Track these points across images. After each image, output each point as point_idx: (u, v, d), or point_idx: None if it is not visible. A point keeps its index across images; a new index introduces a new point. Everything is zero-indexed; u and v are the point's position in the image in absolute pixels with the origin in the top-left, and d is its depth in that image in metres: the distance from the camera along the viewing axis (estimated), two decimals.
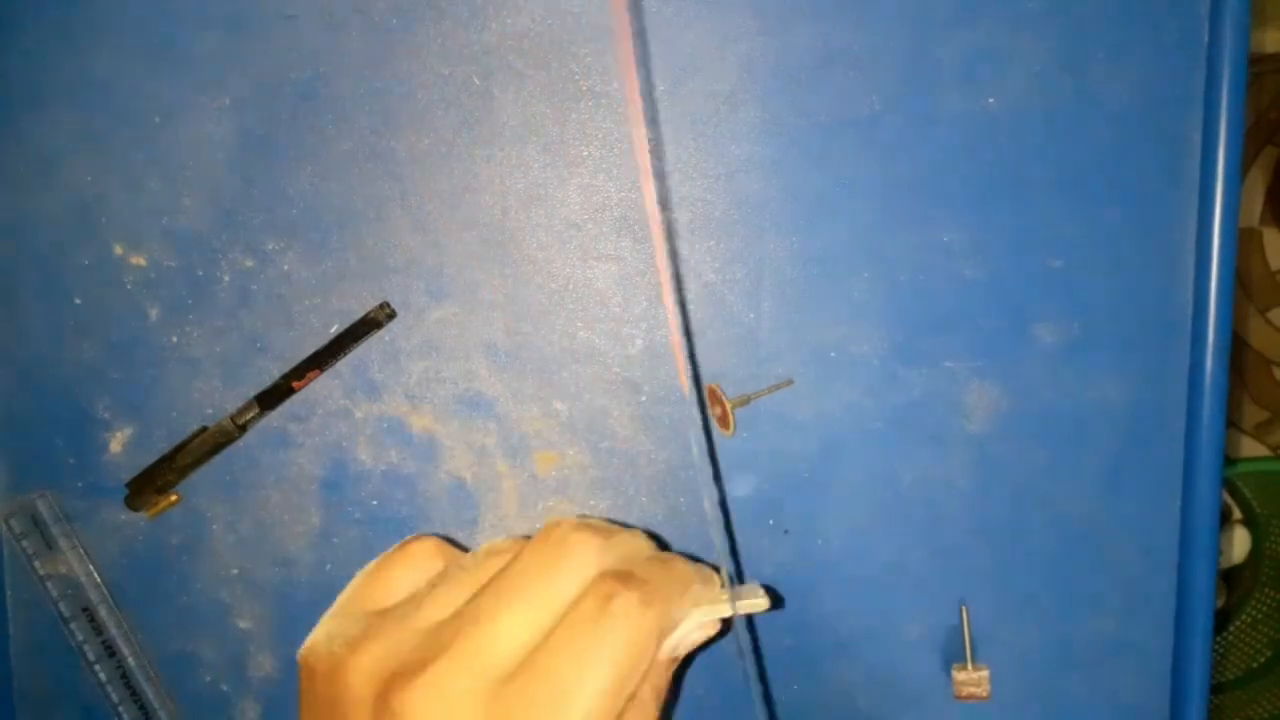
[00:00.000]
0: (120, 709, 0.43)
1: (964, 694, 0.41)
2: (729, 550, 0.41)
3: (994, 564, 0.42)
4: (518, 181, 0.41)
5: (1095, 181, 0.40)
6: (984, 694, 0.41)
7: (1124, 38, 0.39)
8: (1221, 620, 1.13)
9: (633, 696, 0.27)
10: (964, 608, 0.42)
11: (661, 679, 0.29)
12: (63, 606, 0.43)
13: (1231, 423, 1.30)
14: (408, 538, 0.32)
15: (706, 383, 0.41)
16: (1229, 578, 1.15)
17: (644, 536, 0.31)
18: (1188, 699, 0.41)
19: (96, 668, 0.43)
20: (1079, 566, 0.42)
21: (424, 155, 0.41)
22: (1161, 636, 0.42)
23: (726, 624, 0.30)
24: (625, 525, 0.41)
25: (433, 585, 0.29)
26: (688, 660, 0.39)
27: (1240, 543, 1.13)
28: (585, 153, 0.41)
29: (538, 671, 0.25)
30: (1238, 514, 1.13)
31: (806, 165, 0.40)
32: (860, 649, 0.42)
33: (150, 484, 0.42)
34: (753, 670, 0.31)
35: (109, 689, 0.43)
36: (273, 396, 0.41)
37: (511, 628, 0.26)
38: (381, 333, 0.41)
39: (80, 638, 0.43)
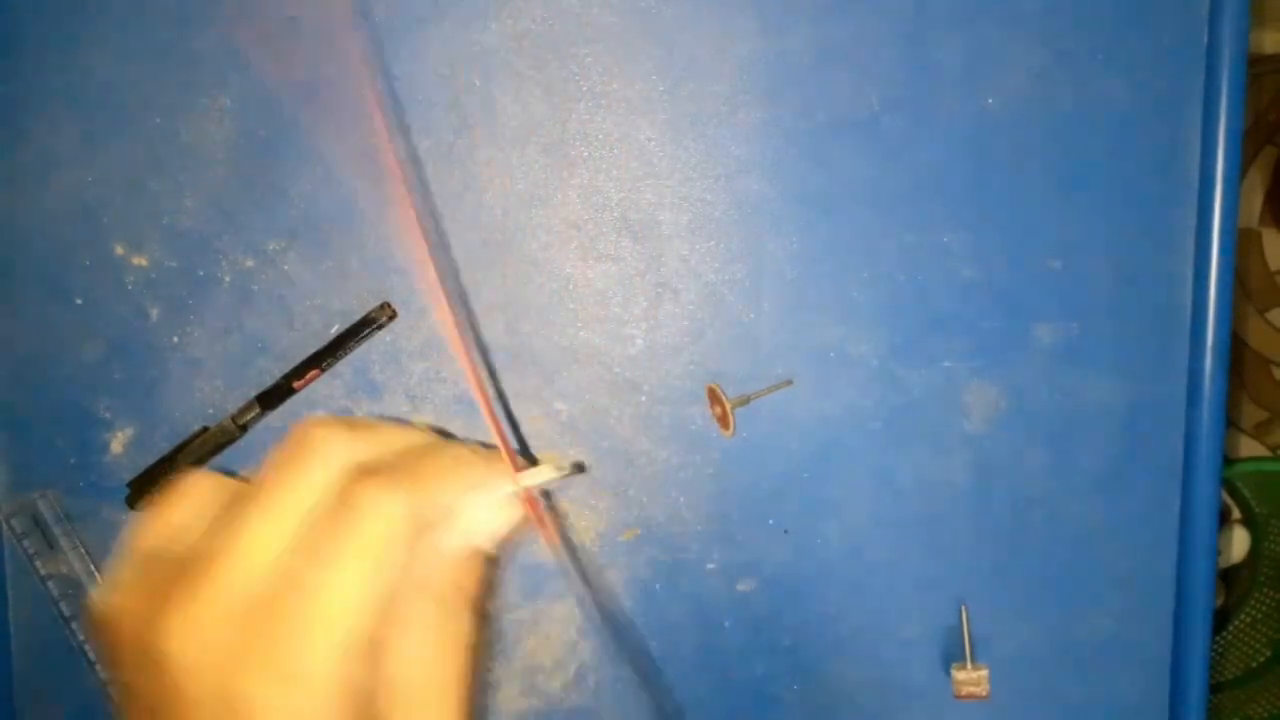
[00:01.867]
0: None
1: (964, 693, 0.41)
2: (506, 421, 0.39)
3: (994, 564, 0.42)
4: (518, 182, 0.41)
5: (1095, 181, 0.40)
6: (984, 693, 0.41)
7: (1124, 38, 0.39)
8: (1220, 620, 1.13)
9: (427, 590, 0.26)
10: (964, 607, 0.42)
11: (467, 575, 0.27)
12: (63, 606, 0.43)
13: (1231, 423, 1.30)
14: (183, 476, 0.30)
15: (707, 383, 0.41)
16: (1228, 577, 1.15)
17: (421, 429, 0.29)
18: (1187, 698, 0.42)
19: (97, 668, 0.43)
20: (1079, 566, 0.42)
21: (424, 155, 0.41)
22: (1161, 636, 0.42)
23: (542, 510, 0.29)
24: (626, 527, 0.41)
25: (207, 520, 0.27)
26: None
27: (1239, 543, 1.13)
28: (585, 153, 0.41)
29: (281, 583, 0.24)
30: (1237, 514, 1.13)
31: (806, 165, 0.40)
32: (860, 649, 0.42)
33: (151, 484, 0.42)
34: (572, 568, 0.29)
35: (109, 689, 0.43)
36: (274, 396, 0.41)
37: (254, 542, 0.24)
38: (382, 333, 0.41)
39: (81, 638, 0.43)
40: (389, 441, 0.27)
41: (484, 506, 0.27)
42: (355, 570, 0.24)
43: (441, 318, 0.27)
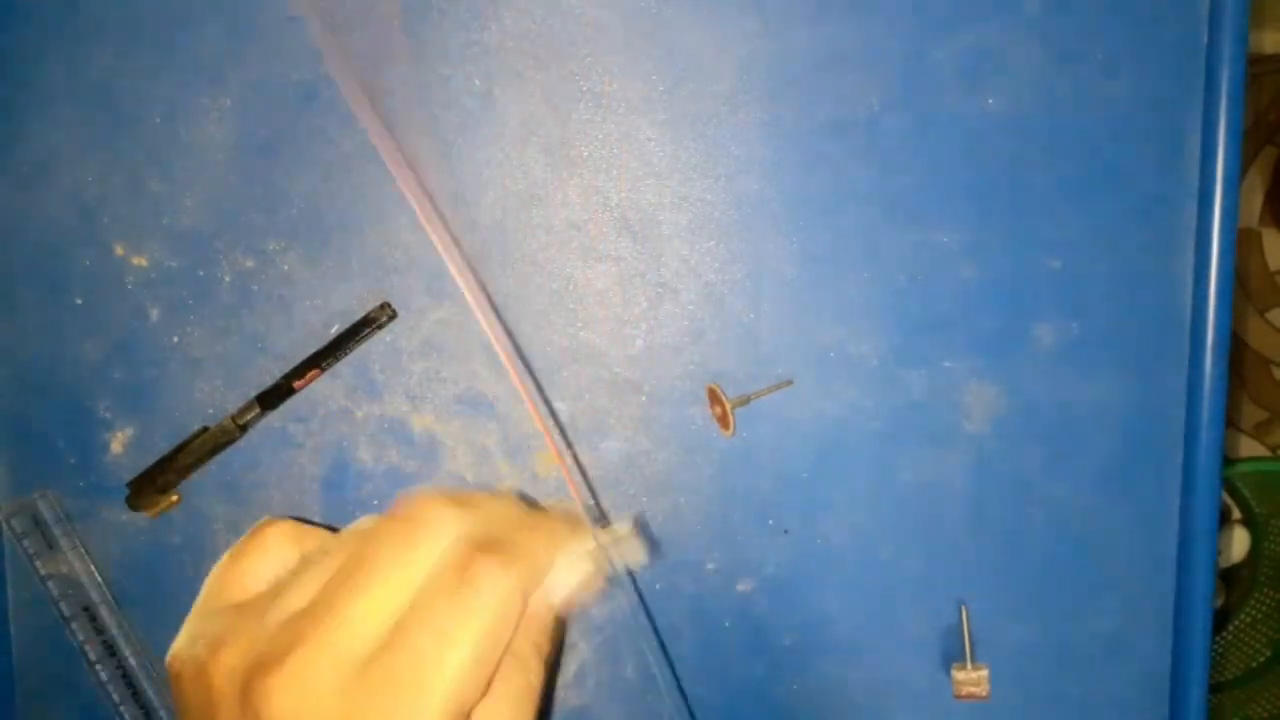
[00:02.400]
0: (121, 709, 0.43)
1: (964, 693, 0.41)
2: (586, 489, 0.40)
3: (994, 564, 0.42)
4: (518, 182, 0.41)
5: (1095, 182, 0.40)
6: (983, 693, 0.41)
7: (1124, 38, 0.39)
8: (1220, 620, 1.13)
9: (513, 655, 0.27)
10: (964, 607, 0.42)
11: (541, 634, 0.28)
12: (63, 606, 0.43)
13: (1231, 423, 1.30)
14: (260, 522, 0.30)
15: (707, 383, 0.41)
16: (1228, 577, 1.15)
17: (511, 498, 0.30)
18: (1187, 698, 0.42)
19: (97, 668, 0.43)
20: (1079, 566, 0.42)
21: (423, 156, 0.41)
22: (1161, 636, 0.42)
23: (612, 573, 0.30)
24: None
25: (294, 573, 0.28)
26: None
27: (1239, 542, 1.13)
28: (585, 153, 0.41)
29: (397, 650, 0.24)
30: (1237, 514, 1.13)
31: (806, 165, 0.40)
32: (860, 649, 0.42)
33: (151, 484, 0.42)
34: (644, 622, 0.30)
35: (109, 689, 0.43)
36: (273, 396, 0.41)
37: (369, 609, 0.25)
38: (382, 333, 0.41)
39: (81, 638, 0.43)
40: (493, 515, 0.28)
41: (564, 568, 0.28)
42: (472, 642, 0.24)
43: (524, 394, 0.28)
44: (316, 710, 0.24)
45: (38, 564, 0.42)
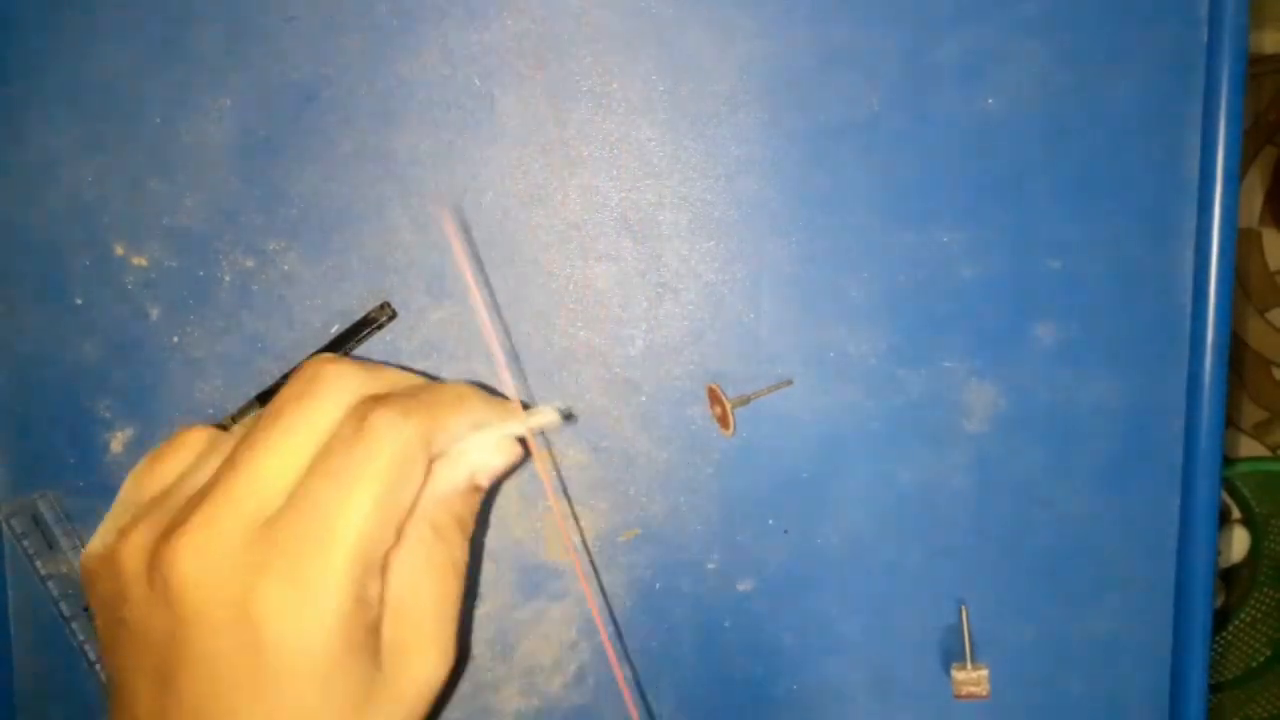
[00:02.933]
0: None
1: (964, 693, 0.41)
2: (509, 360, 0.40)
3: (994, 564, 0.42)
4: (518, 182, 0.41)
5: (1095, 181, 0.40)
6: (984, 693, 0.41)
7: (1124, 38, 0.39)
8: (1220, 620, 1.13)
9: (432, 525, 0.27)
10: (964, 607, 0.42)
11: (464, 507, 0.29)
12: (63, 606, 0.43)
13: (1231, 423, 1.30)
14: (179, 428, 0.30)
15: (707, 383, 0.41)
16: (1228, 577, 1.15)
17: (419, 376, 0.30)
18: (1187, 698, 0.42)
19: (97, 668, 0.43)
20: (1079, 566, 0.42)
21: (424, 155, 0.41)
22: (1161, 636, 0.42)
23: (529, 449, 0.30)
24: (626, 527, 0.41)
25: (201, 454, 0.28)
26: (494, 492, 0.39)
27: (1239, 542, 1.13)
28: (585, 153, 0.41)
29: (300, 502, 0.24)
30: (1237, 514, 1.13)
31: (806, 165, 0.40)
32: (860, 649, 0.42)
33: None
34: (565, 509, 0.31)
35: (102, 657, 0.43)
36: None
37: (271, 466, 0.25)
38: (382, 333, 0.41)
39: (81, 638, 0.43)
40: (397, 379, 0.29)
41: (488, 444, 0.29)
42: (371, 490, 0.25)
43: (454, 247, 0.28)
44: (222, 568, 0.24)
45: (38, 564, 0.42)
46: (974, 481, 0.42)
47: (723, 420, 0.41)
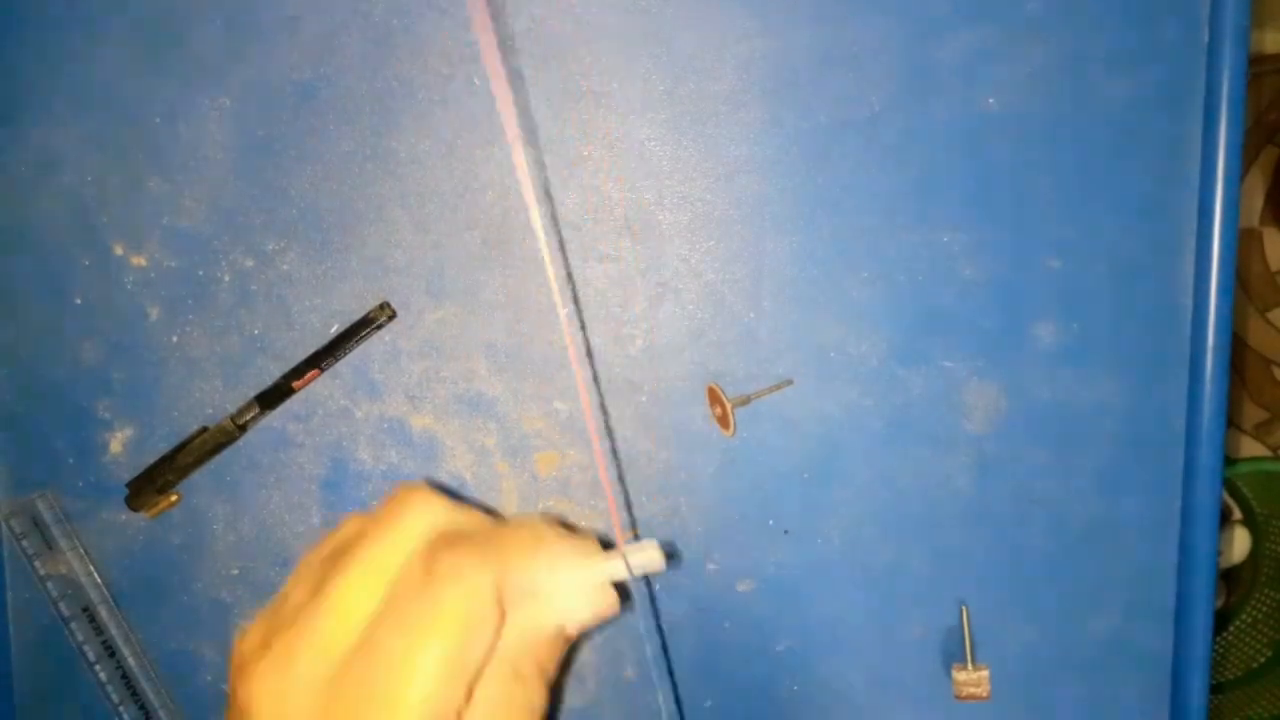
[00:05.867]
0: (120, 709, 0.43)
1: (964, 694, 0.41)
2: (621, 501, 0.39)
3: (994, 564, 0.42)
4: (518, 182, 0.41)
5: (1095, 181, 0.40)
6: (984, 694, 0.41)
7: (1124, 38, 0.39)
8: (1221, 620, 1.13)
9: (514, 671, 0.26)
10: (964, 608, 0.42)
11: (548, 654, 0.27)
12: (63, 606, 0.43)
13: (1231, 423, 1.30)
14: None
15: (707, 383, 0.41)
16: (1229, 578, 1.15)
17: (529, 518, 0.29)
18: (1188, 699, 0.41)
19: (96, 668, 0.43)
20: (1079, 566, 0.42)
21: (424, 155, 0.41)
22: (1161, 637, 0.42)
23: (625, 596, 0.28)
24: (627, 527, 0.41)
25: (319, 555, 0.28)
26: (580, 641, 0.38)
27: (1240, 543, 1.13)
28: (585, 153, 0.41)
29: (370, 649, 0.24)
30: (1237, 514, 1.13)
31: (806, 165, 0.40)
32: (860, 649, 0.42)
33: (150, 484, 0.42)
34: (658, 653, 0.29)
35: (109, 689, 0.43)
36: (273, 396, 0.41)
37: (346, 600, 0.25)
38: (382, 333, 0.41)
39: (80, 638, 0.43)
40: (474, 515, 0.27)
41: (578, 591, 0.27)
42: (440, 646, 0.24)
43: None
44: (289, 706, 0.24)
45: (37, 564, 0.42)
46: (974, 482, 0.41)
47: (723, 420, 0.41)
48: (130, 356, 0.42)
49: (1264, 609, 1.11)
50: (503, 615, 0.25)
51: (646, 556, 0.27)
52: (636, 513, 0.42)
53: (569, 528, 0.29)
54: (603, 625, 0.29)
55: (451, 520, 0.27)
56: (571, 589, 0.27)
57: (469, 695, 0.25)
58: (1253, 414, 1.32)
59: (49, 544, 0.43)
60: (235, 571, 0.43)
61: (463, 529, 0.27)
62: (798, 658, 0.43)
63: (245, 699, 0.24)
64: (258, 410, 0.41)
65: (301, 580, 0.27)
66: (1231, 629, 1.13)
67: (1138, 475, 0.41)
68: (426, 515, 0.26)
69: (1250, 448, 1.32)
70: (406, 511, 0.26)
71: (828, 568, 0.42)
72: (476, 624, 0.24)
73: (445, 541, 0.25)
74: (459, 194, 0.41)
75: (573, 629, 0.28)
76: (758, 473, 0.42)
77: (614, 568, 0.27)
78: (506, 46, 0.31)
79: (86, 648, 0.43)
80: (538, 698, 0.27)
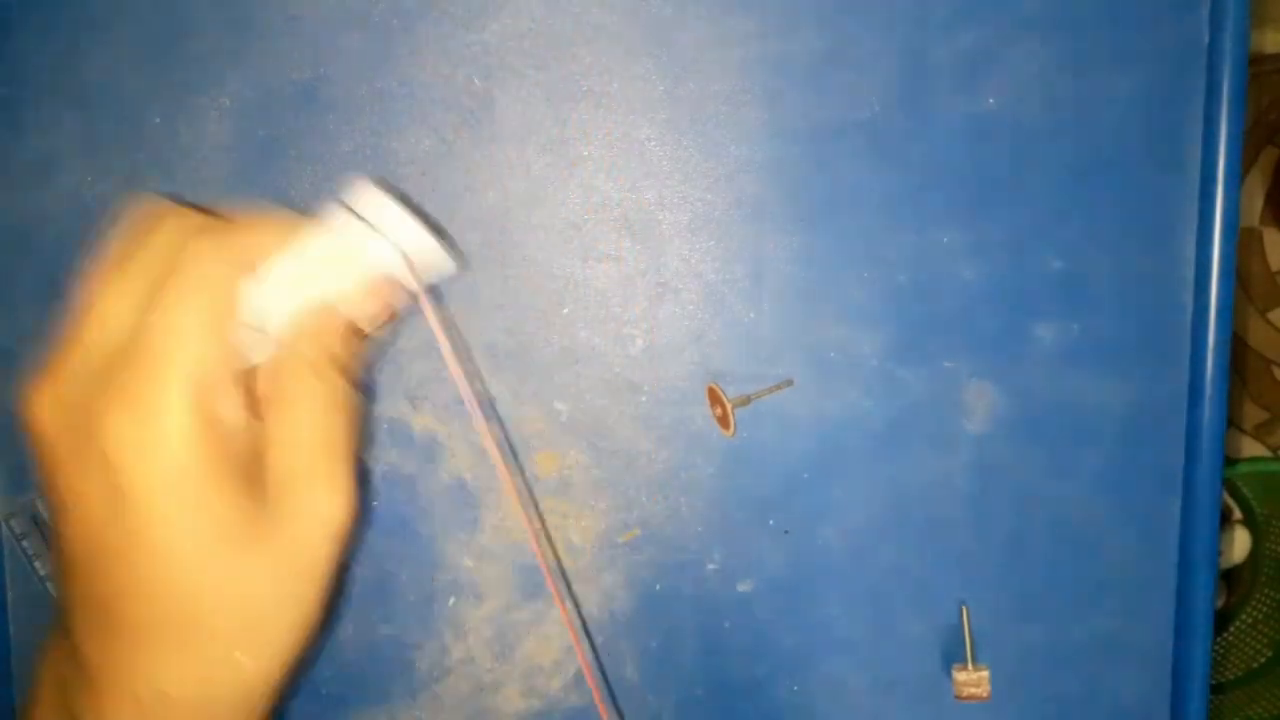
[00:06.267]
0: None
1: (964, 694, 0.41)
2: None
3: (994, 564, 0.42)
4: (518, 181, 0.41)
5: (1095, 181, 0.40)
6: (984, 694, 0.41)
7: (1124, 38, 0.39)
8: (1221, 621, 1.13)
9: (300, 359, 0.27)
10: (964, 608, 0.42)
11: (341, 346, 0.29)
12: None
13: (1231, 423, 1.30)
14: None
15: (707, 383, 0.41)
16: (1229, 578, 1.15)
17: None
18: (1188, 699, 0.41)
19: None
20: (1079, 566, 0.42)
21: (424, 155, 0.41)
22: (1161, 636, 0.42)
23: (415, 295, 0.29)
24: (626, 527, 0.41)
25: None
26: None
27: (1240, 543, 1.13)
28: (585, 153, 0.41)
29: (136, 335, 0.25)
30: (1238, 514, 1.13)
31: (806, 165, 0.40)
32: (860, 649, 0.42)
33: None
34: (466, 393, 0.30)
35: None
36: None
37: (105, 303, 0.26)
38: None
39: None
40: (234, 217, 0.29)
41: (359, 286, 0.28)
42: (192, 309, 0.25)
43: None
44: (72, 404, 0.25)
45: (37, 564, 0.42)
46: (974, 482, 0.41)
47: (723, 420, 0.41)
48: None
49: (1264, 609, 1.11)
50: (241, 271, 0.27)
51: (405, 232, 0.28)
52: (637, 513, 0.42)
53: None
54: (403, 314, 0.30)
55: (202, 222, 0.28)
56: (335, 271, 0.28)
57: (235, 355, 0.27)
58: (1253, 414, 1.32)
59: (49, 544, 0.43)
60: None
61: (212, 224, 0.28)
62: (798, 658, 0.43)
63: (27, 419, 0.26)
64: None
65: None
66: (1231, 629, 1.13)
67: (1138, 475, 0.41)
68: (174, 220, 0.28)
69: (1250, 448, 1.32)
70: (155, 221, 0.28)
71: (828, 568, 0.42)
72: (219, 281, 0.26)
73: (200, 230, 0.27)
74: (459, 194, 0.41)
75: (364, 322, 0.29)
76: (758, 473, 0.42)
77: (374, 250, 0.28)
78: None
79: None
80: (338, 389, 0.28)
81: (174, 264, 0.26)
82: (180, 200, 0.30)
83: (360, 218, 0.28)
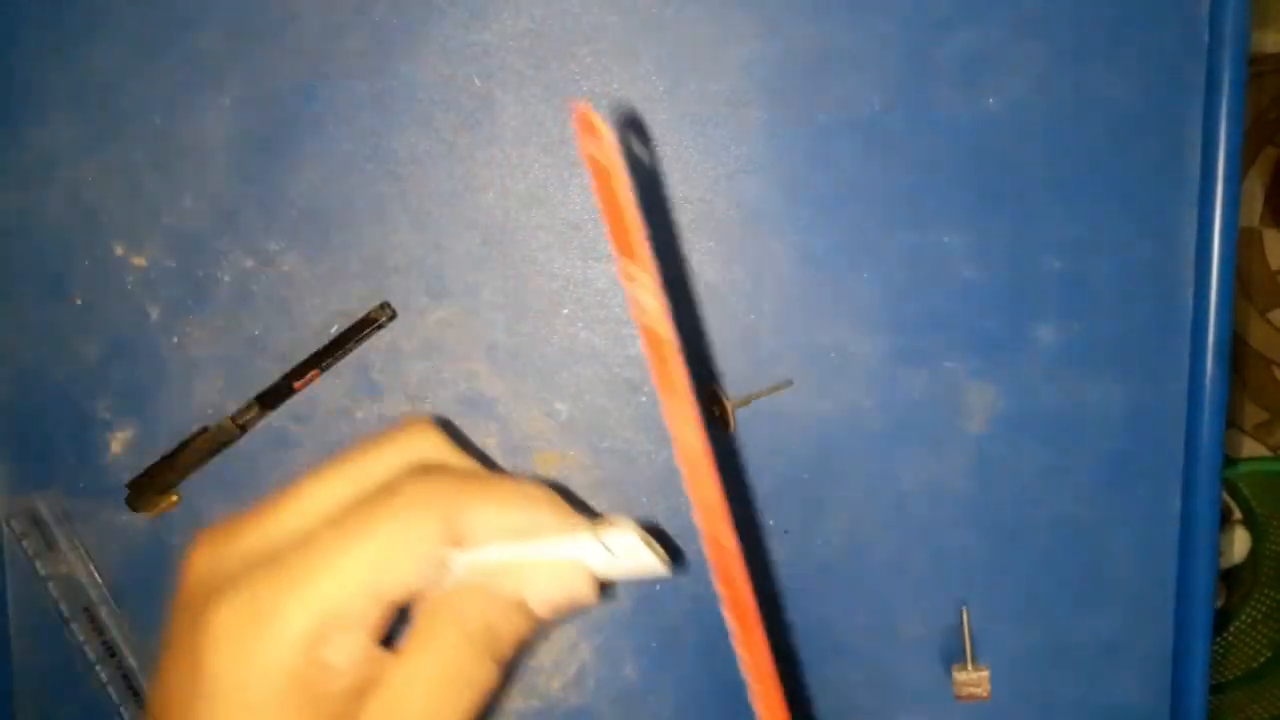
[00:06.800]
0: (120, 709, 0.43)
1: (964, 694, 0.41)
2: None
3: (994, 564, 0.42)
4: (518, 182, 0.41)
5: (1095, 182, 0.40)
6: (984, 694, 0.41)
7: (1124, 38, 0.39)
8: (1221, 621, 1.13)
9: (456, 624, 0.25)
10: (964, 608, 0.42)
11: (506, 624, 0.25)
12: (63, 606, 0.43)
13: (1231, 423, 1.30)
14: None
15: (707, 383, 0.41)
16: (1229, 578, 1.15)
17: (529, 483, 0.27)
18: (1188, 699, 0.41)
19: (97, 668, 0.43)
20: (1079, 566, 0.42)
21: (424, 155, 0.41)
22: (1161, 636, 0.42)
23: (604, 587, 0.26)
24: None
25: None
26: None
27: (1240, 543, 1.13)
28: None
29: (301, 540, 0.23)
30: (1238, 514, 1.13)
31: (806, 165, 0.40)
32: (860, 649, 0.42)
33: (151, 484, 0.42)
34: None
35: (109, 689, 0.43)
36: (273, 397, 0.41)
37: (309, 495, 0.25)
38: (382, 333, 0.41)
39: (80, 638, 0.43)
40: (474, 464, 0.26)
41: (555, 572, 0.25)
42: (364, 549, 0.23)
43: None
44: (218, 570, 0.24)
45: (37, 564, 0.42)
46: (974, 482, 0.41)
47: (723, 420, 0.41)
48: (130, 356, 0.42)
49: (1264, 609, 1.11)
50: (441, 543, 0.24)
51: (637, 556, 0.25)
52: (637, 513, 0.42)
53: (574, 503, 0.28)
54: (576, 614, 0.28)
55: (443, 456, 0.26)
56: (553, 571, 0.25)
57: (383, 613, 0.24)
58: (1253, 414, 1.32)
59: (49, 544, 0.43)
60: None
61: (449, 465, 0.26)
62: (798, 658, 0.43)
63: (185, 565, 0.25)
64: (258, 410, 0.41)
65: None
66: (1231, 629, 1.13)
67: (1138, 475, 0.41)
68: (418, 443, 0.26)
69: (1250, 448, 1.32)
70: (400, 436, 0.26)
71: (828, 568, 0.42)
72: (407, 543, 0.23)
73: (423, 469, 0.25)
74: (459, 194, 0.41)
75: (540, 607, 0.25)
76: (758, 473, 0.42)
77: (594, 554, 0.25)
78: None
79: (86, 648, 0.43)
80: (485, 670, 0.25)
81: (381, 489, 0.24)
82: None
83: (607, 548, 0.25)
